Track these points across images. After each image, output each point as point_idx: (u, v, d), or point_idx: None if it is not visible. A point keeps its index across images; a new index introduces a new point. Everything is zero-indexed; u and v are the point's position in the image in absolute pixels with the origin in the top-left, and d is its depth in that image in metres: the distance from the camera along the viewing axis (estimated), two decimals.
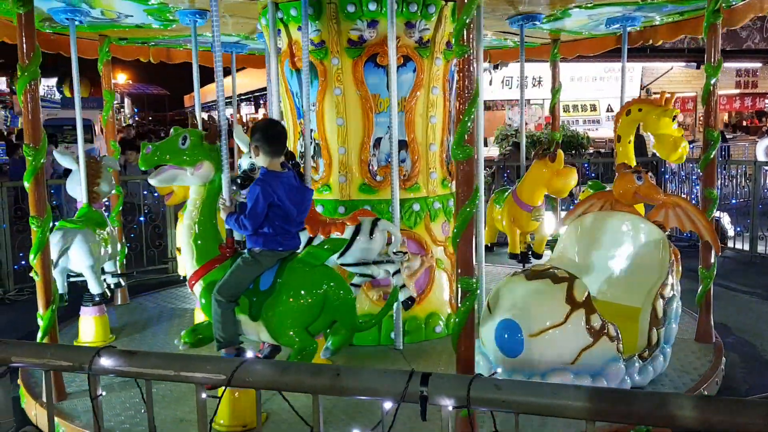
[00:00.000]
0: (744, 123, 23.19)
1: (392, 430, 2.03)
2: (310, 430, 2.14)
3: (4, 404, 2.50)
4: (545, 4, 5.59)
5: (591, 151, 14.69)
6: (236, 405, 3.75)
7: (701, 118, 21.17)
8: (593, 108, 21.82)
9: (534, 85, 19.18)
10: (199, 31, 5.91)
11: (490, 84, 18.71)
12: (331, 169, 5.29)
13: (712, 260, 5.12)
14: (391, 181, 4.90)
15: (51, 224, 4.30)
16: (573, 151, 13.34)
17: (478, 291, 5.62)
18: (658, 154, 5.66)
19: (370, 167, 5.23)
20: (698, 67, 19.24)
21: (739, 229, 9.64)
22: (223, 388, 2.33)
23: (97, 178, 5.70)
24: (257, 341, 3.96)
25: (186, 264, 3.95)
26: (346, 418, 3.86)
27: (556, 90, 7.40)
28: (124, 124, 28.21)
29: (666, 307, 4.36)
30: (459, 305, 3.42)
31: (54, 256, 5.11)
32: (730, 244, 9.47)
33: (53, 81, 27.19)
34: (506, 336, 3.87)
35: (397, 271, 4.42)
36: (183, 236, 3.93)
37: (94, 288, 5.51)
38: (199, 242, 3.87)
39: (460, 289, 3.43)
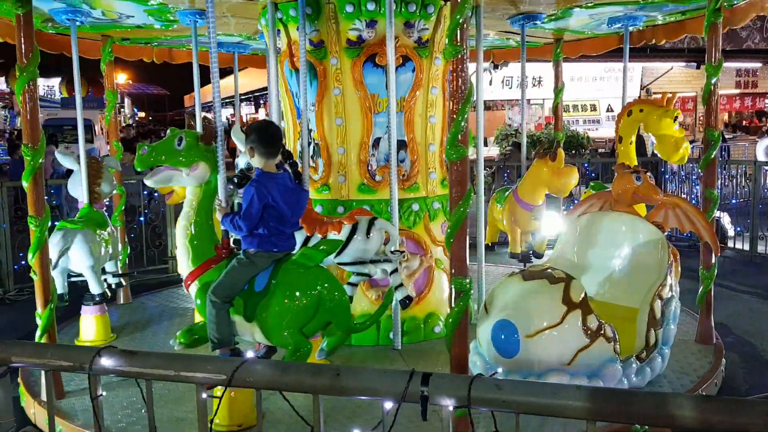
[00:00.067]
0: (744, 123, 23.19)
1: (393, 430, 2.03)
2: (310, 430, 2.14)
3: (4, 404, 2.50)
4: (545, 3, 5.58)
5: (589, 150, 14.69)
6: (232, 405, 3.76)
7: (701, 118, 21.23)
8: (593, 108, 21.84)
9: (534, 85, 19.20)
10: (200, 32, 5.91)
11: (490, 84, 18.69)
12: (330, 169, 5.29)
13: (713, 261, 5.10)
14: (389, 181, 4.91)
15: (52, 224, 4.30)
16: (573, 151, 13.34)
17: (479, 290, 5.73)
18: (659, 154, 5.63)
19: (369, 167, 5.23)
20: (698, 67, 19.27)
21: (739, 228, 9.64)
22: (222, 388, 2.33)
23: (98, 179, 5.71)
24: (252, 342, 3.96)
25: (182, 264, 3.96)
26: (344, 419, 3.87)
27: (559, 89, 7.37)
28: (123, 124, 28.22)
29: (664, 308, 4.35)
30: (453, 305, 3.43)
31: (54, 256, 5.13)
32: (730, 243, 9.47)
33: (53, 81, 27.20)
34: (502, 336, 3.87)
35: (395, 270, 4.42)
36: (179, 237, 3.93)
37: (94, 288, 5.52)
38: (195, 243, 3.87)
39: (453, 290, 3.43)
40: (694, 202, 10.26)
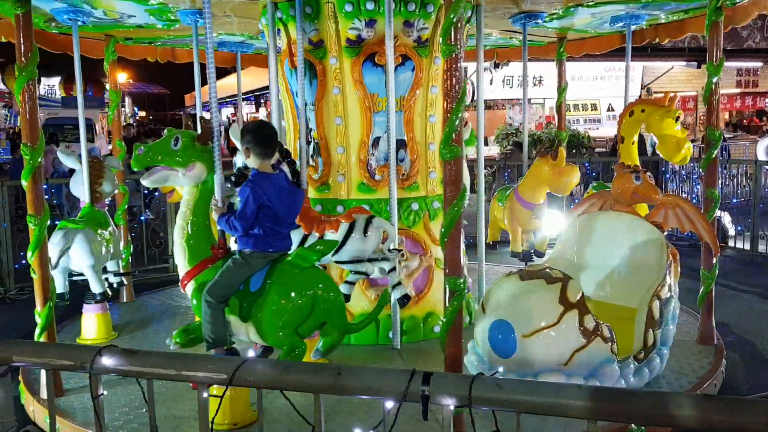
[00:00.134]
0: (744, 122, 23.17)
1: (393, 430, 2.03)
2: (311, 430, 2.14)
3: (5, 404, 2.50)
4: (546, 2, 5.58)
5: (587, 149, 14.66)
6: (228, 404, 3.76)
7: (702, 118, 21.23)
8: (594, 107, 21.84)
9: (534, 85, 19.19)
10: (201, 31, 5.90)
11: (491, 83, 18.70)
12: (330, 168, 5.29)
13: (714, 261, 5.07)
14: (389, 181, 4.91)
15: (53, 223, 4.31)
16: (573, 150, 13.33)
17: (479, 290, 5.73)
18: (660, 155, 5.62)
19: (369, 166, 5.23)
20: (699, 67, 19.26)
21: (739, 228, 9.64)
22: (217, 387, 2.33)
23: (99, 178, 5.73)
24: (247, 341, 3.96)
25: (178, 264, 3.97)
26: (342, 420, 3.88)
27: (562, 89, 7.35)
28: (124, 123, 28.20)
29: (663, 309, 4.33)
30: (447, 305, 3.43)
31: (54, 255, 5.15)
32: (731, 243, 9.47)
33: (54, 80, 27.20)
34: (499, 336, 3.86)
35: (393, 269, 4.42)
36: (176, 236, 3.94)
37: (95, 287, 5.54)
38: (192, 242, 3.89)
39: (448, 289, 3.43)
40: (694, 201, 10.27)
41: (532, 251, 6.36)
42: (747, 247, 9.16)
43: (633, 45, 6.52)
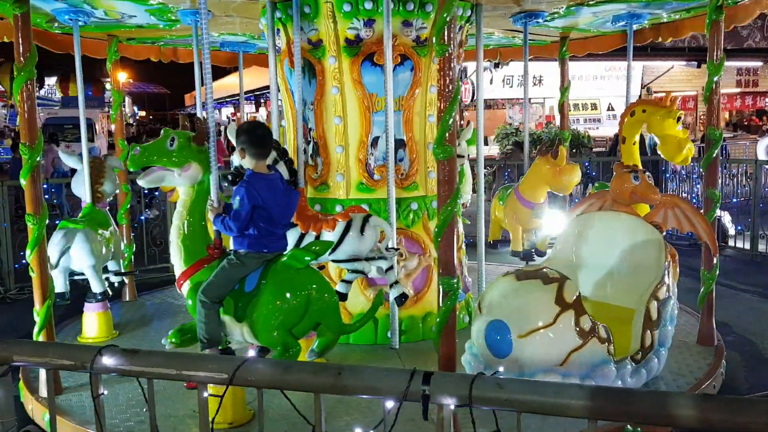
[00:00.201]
0: (744, 122, 23.18)
1: (394, 429, 2.03)
2: (311, 429, 2.14)
3: (5, 403, 2.49)
4: (546, 1, 5.57)
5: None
6: (224, 403, 3.76)
7: (702, 117, 21.24)
8: (594, 107, 21.84)
9: (534, 84, 19.19)
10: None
11: (491, 83, 18.72)
12: (329, 168, 5.29)
13: (714, 262, 5.04)
14: (385, 180, 4.90)
15: (54, 223, 4.32)
16: (574, 150, 13.34)
17: (479, 290, 5.72)
18: (662, 155, 5.61)
19: (368, 166, 5.23)
20: (699, 66, 19.25)
21: (739, 227, 9.64)
22: (213, 386, 2.33)
23: (100, 178, 5.76)
24: (242, 342, 3.96)
25: (174, 264, 3.98)
26: (339, 420, 3.88)
27: (565, 88, 7.33)
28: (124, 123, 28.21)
29: (661, 309, 4.31)
30: (440, 305, 3.43)
31: (55, 255, 5.17)
32: (731, 242, 9.47)
33: (52, 80, 27.24)
34: (495, 336, 3.87)
35: (390, 268, 4.42)
36: (172, 236, 3.95)
37: (95, 287, 5.57)
38: (187, 243, 3.90)
39: (441, 289, 3.42)
40: (694, 201, 10.27)
41: (533, 250, 6.36)
42: (747, 246, 9.16)
43: (635, 44, 6.50)
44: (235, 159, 4.77)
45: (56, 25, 5.87)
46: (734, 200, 10.78)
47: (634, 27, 6.37)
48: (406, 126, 5.24)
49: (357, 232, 4.28)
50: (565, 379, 3.69)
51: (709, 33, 4.89)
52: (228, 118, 33.47)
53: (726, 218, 9.51)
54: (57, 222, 5.51)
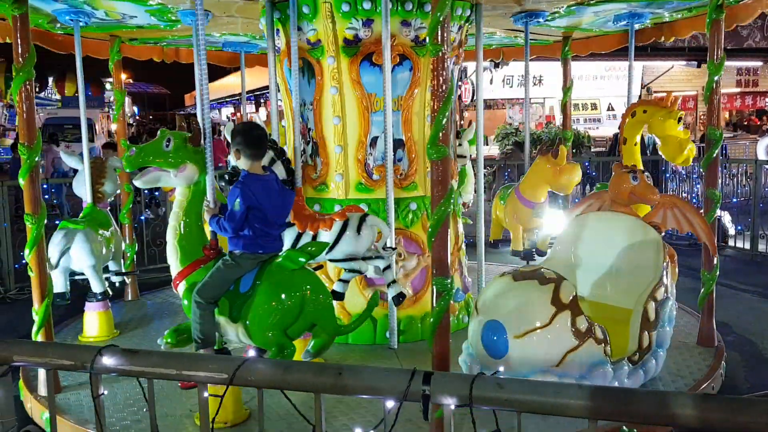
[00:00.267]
0: (744, 122, 23.18)
1: (394, 429, 2.03)
2: (312, 429, 2.14)
3: (5, 404, 2.49)
4: (546, 1, 5.57)
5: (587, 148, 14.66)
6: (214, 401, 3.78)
7: (702, 117, 21.23)
8: (594, 107, 21.84)
9: (534, 84, 19.19)
10: (205, 31, 5.90)
11: (491, 83, 18.71)
12: (328, 167, 5.29)
13: (715, 262, 5.01)
14: (384, 180, 4.90)
15: (54, 223, 4.34)
16: (574, 150, 13.33)
17: (479, 290, 5.72)
18: (663, 156, 5.59)
19: (367, 166, 5.23)
20: (699, 66, 19.25)
21: (739, 227, 9.64)
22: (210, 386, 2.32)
23: (101, 178, 5.78)
24: (237, 342, 3.97)
25: (171, 264, 3.99)
26: (336, 421, 3.89)
27: (567, 88, 7.31)
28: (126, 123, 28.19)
29: (659, 310, 4.30)
30: (434, 305, 3.43)
31: (55, 255, 5.20)
32: (731, 242, 9.47)
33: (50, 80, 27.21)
34: (492, 337, 3.87)
35: (388, 267, 4.42)
36: (168, 237, 3.96)
37: (95, 287, 5.60)
38: (184, 243, 3.91)
39: (435, 290, 3.43)
40: (695, 201, 10.27)
41: (534, 250, 6.36)
42: (747, 246, 9.16)
43: (639, 44, 6.48)
44: (232, 159, 4.78)
45: (58, 25, 5.89)
46: (734, 200, 10.78)
47: (636, 26, 6.37)
48: (405, 126, 5.23)
49: (354, 231, 4.28)
50: (562, 380, 3.67)
51: (710, 32, 4.87)
52: (228, 117, 33.48)
53: (726, 218, 9.52)
54: (57, 222, 5.52)
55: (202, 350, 3.76)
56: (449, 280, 3.38)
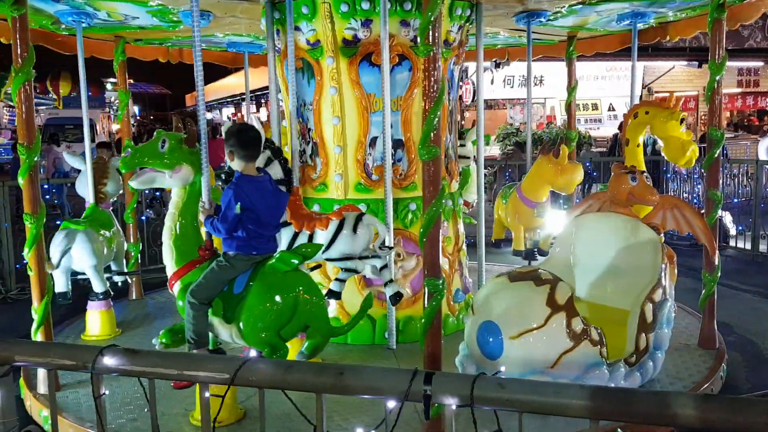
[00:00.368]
0: (745, 122, 23.16)
1: (395, 429, 2.04)
2: (313, 429, 2.14)
3: (7, 404, 2.49)
4: (547, 0, 5.56)
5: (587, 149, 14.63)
6: (214, 402, 3.78)
7: (702, 117, 21.21)
8: (595, 107, 21.83)
9: (535, 84, 19.17)
10: (206, 32, 5.94)
11: (492, 83, 18.70)
12: (327, 168, 5.28)
13: (716, 263, 4.97)
14: (383, 180, 4.90)
15: (55, 223, 4.36)
16: (579, 151, 13.31)
17: (478, 290, 5.70)
18: (665, 157, 5.56)
19: (366, 166, 5.22)
20: (700, 66, 19.23)
21: (740, 228, 9.63)
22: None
23: (104, 179, 5.80)
24: (232, 343, 3.97)
25: (166, 265, 4.01)
26: (335, 421, 3.89)
27: (572, 88, 7.27)
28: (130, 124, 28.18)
29: (656, 312, 4.27)
30: (425, 305, 3.43)
31: (56, 255, 5.23)
32: (732, 243, 9.46)
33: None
34: (487, 338, 3.86)
35: (385, 266, 4.42)
36: (164, 237, 3.98)
37: (97, 287, 5.64)
38: (179, 243, 3.93)
39: (426, 291, 3.43)
40: (695, 201, 10.26)
41: (535, 250, 6.35)
42: (748, 246, 9.15)
43: (644, 43, 6.44)
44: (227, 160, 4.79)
45: (63, 27, 5.90)
46: (735, 200, 10.77)
47: (640, 26, 6.34)
48: (405, 126, 5.22)
49: (350, 230, 4.28)
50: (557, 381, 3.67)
51: (711, 32, 4.85)
52: (229, 118, 33.47)
53: (727, 218, 9.51)
54: (58, 222, 5.55)
55: (195, 350, 3.76)
56: (441, 281, 3.38)
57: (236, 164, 3.75)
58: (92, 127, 18.39)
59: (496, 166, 12.05)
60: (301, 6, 4.98)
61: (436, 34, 3.20)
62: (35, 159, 4.27)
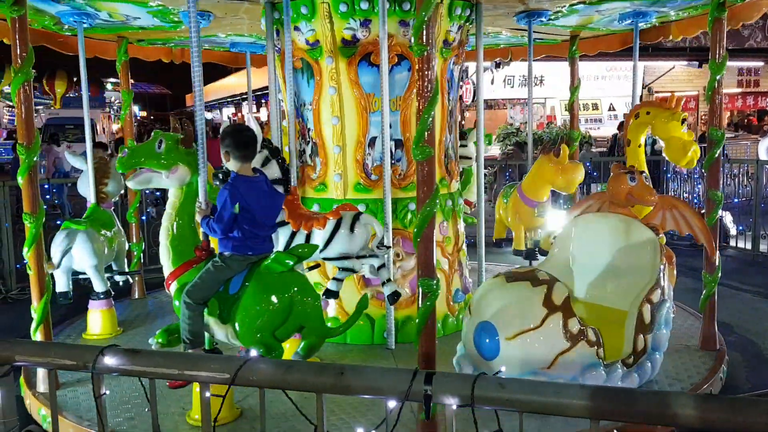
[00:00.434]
0: (746, 122, 23.15)
1: (395, 429, 2.04)
2: (314, 429, 2.14)
3: (7, 404, 2.50)
4: (547, 0, 5.55)
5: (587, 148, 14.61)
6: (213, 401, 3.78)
7: (703, 117, 21.21)
8: (595, 107, 21.82)
9: (535, 84, 19.14)
10: (208, 32, 5.93)
11: (492, 83, 18.70)
12: (327, 168, 5.28)
13: (717, 264, 4.95)
14: (383, 180, 4.90)
15: (56, 223, 4.37)
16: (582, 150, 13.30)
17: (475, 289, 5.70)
18: (667, 158, 5.54)
19: (365, 166, 5.22)
20: (700, 66, 19.23)
21: (741, 227, 9.63)
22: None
23: (105, 178, 5.81)
24: (228, 343, 3.97)
25: (163, 265, 4.01)
26: (335, 420, 3.89)
27: (575, 87, 7.25)
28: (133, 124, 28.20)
29: (655, 313, 4.26)
30: (419, 305, 3.43)
31: (57, 255, 5.25)
32: (732, 242, 9.46)
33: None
34: (483, 338, 3.86)
35: (382, 266, 4.42)
36: (161, 237, 3.99)
37: (98, 286, 5.66)
38: (176, 244, 3.93)
39: (420, 291, 3.42)
40: (696, 201, 10.26)
41: (536, 249, 6.34)
42: (748, 246, 9.15)
43: (647, 42, 6.42)
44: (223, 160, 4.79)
45: (66, 27, 5.90)
46: (735, 200, 10.76)
47: (642, 25, 6.32)
48: (404, 126, 5.21)
49: (347, 229, 4.28)
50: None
51: (711, 31, 4.83)
52: (229, 118, 33.50)
53: (727, 218, 9.51)
54: (59, 222, 5.56)
55: (190, 350, 3.77)
56: (435, 281, 3.39)
57: (232, 164, 3.75)
58: (93, 127, 18.39)
59: (497, 166, 12.04)
60: (300, 6, 4.98)
61: (430, 34, 3.20)
62: (34, 159, 4.29)
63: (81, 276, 5.75)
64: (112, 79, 33.96)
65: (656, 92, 19.95)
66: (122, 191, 6.31)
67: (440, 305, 5.41)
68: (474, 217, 6.52)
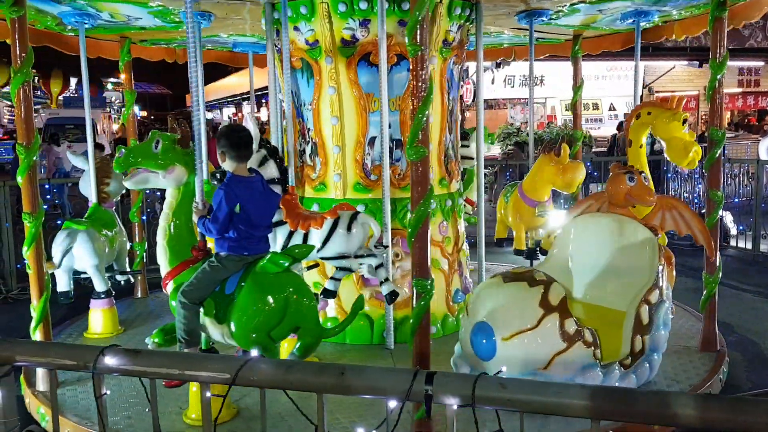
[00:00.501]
0: (746, 122, 23.15)
1: (396, 429, 2.04)
2: (314, 429, 2.14)
3: (8, 404, 2.49)
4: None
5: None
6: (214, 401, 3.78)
7: (703, 117, 21.20)
8: (595, 107, 21.83)
9: (536, 84, 19.12)
10: (209, 32, 5.93)
11: (492, 83, 18.71)
12: (326, 167, 5.29)
13: (717, 265, 4.94)
14: (382, 180, 4.90)
15: (57, 222, 4.38)
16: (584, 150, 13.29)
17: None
18: (668, 158, 5.53)
19: (365, 166, 5.22)
20: (700, 66, 19.23)
21: (741, 227, 9.63)
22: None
23: (106, 178, 5.82)
24: (224, 343, 3.98)
25: (160, 264, 4.03)
26: (336, 422, 3.89)
27: (578, 87, 7.23)
28: (122, 123, 28.19)
29: (653, 314, 4.25)
30: (413, 306, 3.43)
31: (58, 255, 5.26)
32: (733, 242, 9.46)
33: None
34: (480, 339, 3.86)
35: (380, 265, 4.42)
36: (158, 237, 4.00)
37: (98, 286, 5.67)
38: (173, 244, 3.95)
39: (415, 291, 3.42)
40: (696, 201, 10.26)
41: (537, 249, 6.34)
42: (749, 246, 9.15)
43: (649, 42, 6.41)
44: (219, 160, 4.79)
45: (69, 27, 5.91)
46: (736, 200, 10.76)
47: (644, 24, 6.30)
48: (403, 126, 5.20)
49: (345, 229, 4.28)
50: None
51: (712, 30, 4.83)
52: (229, 117, 33.51)
53: (728, 218, 9.51)
54: (60, 222, 5.56)
55: (186, 350, 3.77)
56: (429, 282, 3.38)
57: (227, 165, 3.75)
58: (93, 127, 18.40)
59: (497, 165, 12.04)
60: (299, 6, 4.98)
61: (425, 34, 3.20)
62: (34, 158, 4.30)
63: (82, 275, 5.76)
64: (113, 79, 33.99)
65: (657, 92, 19.95)
66: (124, 191, 6.32)
67: (440, 305, 5.44)
68: (475, 217, 6.52)
